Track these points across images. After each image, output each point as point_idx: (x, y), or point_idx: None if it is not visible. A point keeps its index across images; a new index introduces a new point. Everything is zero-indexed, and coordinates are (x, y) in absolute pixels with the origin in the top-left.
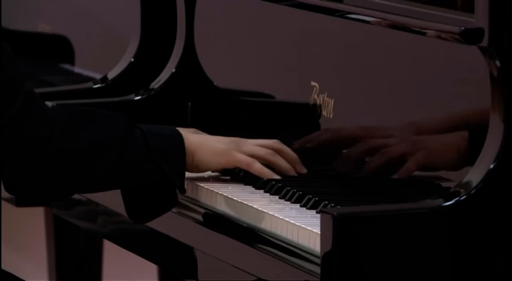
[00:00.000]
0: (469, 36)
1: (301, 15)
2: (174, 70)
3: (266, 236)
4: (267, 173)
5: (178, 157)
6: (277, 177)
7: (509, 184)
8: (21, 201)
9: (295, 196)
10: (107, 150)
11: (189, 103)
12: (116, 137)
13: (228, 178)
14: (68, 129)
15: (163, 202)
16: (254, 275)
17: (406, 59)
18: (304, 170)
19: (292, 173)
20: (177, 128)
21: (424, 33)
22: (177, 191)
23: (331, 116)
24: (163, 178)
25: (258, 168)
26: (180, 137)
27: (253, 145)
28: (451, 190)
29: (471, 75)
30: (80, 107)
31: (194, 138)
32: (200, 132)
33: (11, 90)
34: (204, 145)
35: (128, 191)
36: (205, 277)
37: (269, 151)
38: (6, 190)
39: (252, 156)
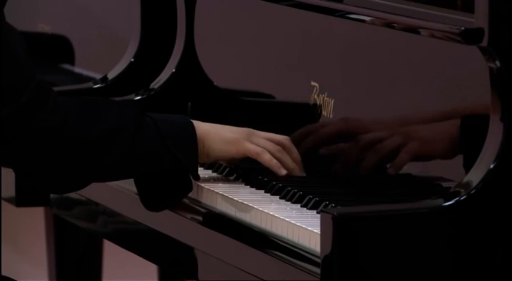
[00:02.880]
0: (469, 36)
1: (301, 15)
2: (174, 70)
3: (266, 237)
4: (275, 165)
5: (191, 143)
6: (284, 171)
7: (509, 184)
8: (21, 201)
9: (296, 196)
10: (119, 138)
11: (189, 103)
12: (127, 126)
13: (229, 178)
14: (79, 120)
15: (178, 189)
16: (254, 276)
17: (406, 59)
18: (303, 174)
19: (296, 173)
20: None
21: (424, 33)
22: (191, 178)
23: (331, 116)
24: (176, 165)
25: (267, 158)
26: (190, 125)
27: (263, 138)
28: (451, 190)
29: (471, 75)
30: (90, 97)
31: (205, 127)
32: None
33: (21, 78)
34: (215, 132)
35: (141, 179)
36: (205, 277)
37: (278, 146)
38: (18, 181)
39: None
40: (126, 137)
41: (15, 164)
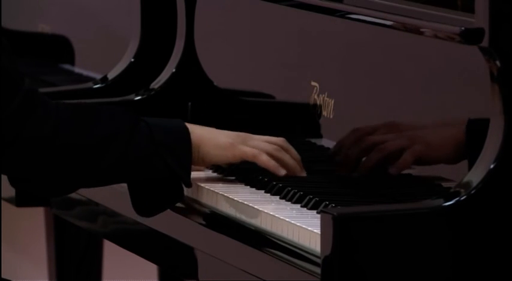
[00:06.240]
0: (469, 36)
1: (301, 15)
2: (174, 70)
3: (267, 237)
4: (274, 165)
5: (185, 151)
6: (283, 172)
7: (509, 184)
8: (21, 201)
9: (296, 196)
10: (112, 145)
11: (189, 103)
12: (120, 132)
13: (229, 178)
14: (72, 126)
15: (169, 196)
16: (255, 276)
17: (406, 59)
18: (304, 174)
19: (297, 172)
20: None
21: (424, 33)
22: (183, 185)
23: (331, 116)
24: (169, 172)
25: (265, 159)
26: (186, 131)
27: (260, 140)
28: (451, 190)
29: (471, 75)
30: (84, 103)
31: (200, 132)
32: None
33: (9, 87)
34: (210, 138)
35: (133, 185)
36: (205, 277)
37: (275, 146)
38: (11, 183)
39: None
40: (120, 144)
41: (10, 170)
